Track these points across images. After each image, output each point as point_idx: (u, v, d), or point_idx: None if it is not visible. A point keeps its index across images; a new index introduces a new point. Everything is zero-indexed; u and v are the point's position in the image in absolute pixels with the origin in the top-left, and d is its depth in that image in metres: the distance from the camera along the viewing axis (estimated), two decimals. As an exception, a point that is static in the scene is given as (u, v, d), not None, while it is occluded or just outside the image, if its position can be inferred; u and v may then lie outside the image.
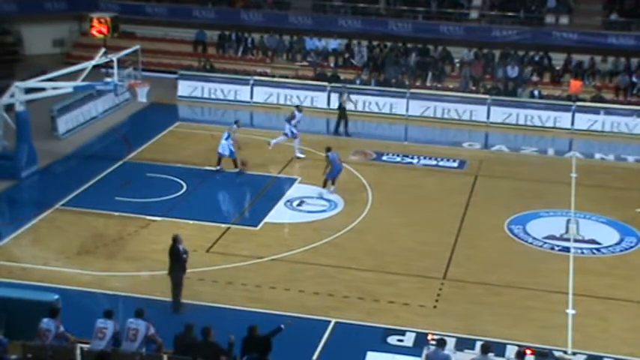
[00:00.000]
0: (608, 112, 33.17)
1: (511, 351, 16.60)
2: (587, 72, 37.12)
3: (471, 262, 21.75)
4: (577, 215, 24.78)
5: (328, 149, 25.99)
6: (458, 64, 38.16)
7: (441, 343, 15.08)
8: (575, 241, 23.17)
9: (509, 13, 39.29)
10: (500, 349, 16.81)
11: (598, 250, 22.75)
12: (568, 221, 24.41)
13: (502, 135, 32.88)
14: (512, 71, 36.68)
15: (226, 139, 27.21)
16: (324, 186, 25.88)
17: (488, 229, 23.89)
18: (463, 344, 17.37)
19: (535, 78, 36.88)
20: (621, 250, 22.76)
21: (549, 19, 39.24)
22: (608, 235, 23.58)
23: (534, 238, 23.25)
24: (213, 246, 22.21)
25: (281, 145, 28.77)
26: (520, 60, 37.59)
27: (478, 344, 16.46)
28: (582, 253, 22.51)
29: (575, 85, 35.50)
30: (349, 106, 32.15)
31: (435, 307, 19.44)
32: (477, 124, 33.60)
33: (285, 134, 28.95)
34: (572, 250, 22.56)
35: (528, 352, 15.12)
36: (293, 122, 28.85)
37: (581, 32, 37.78)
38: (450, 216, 24.71)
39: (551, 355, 16.21)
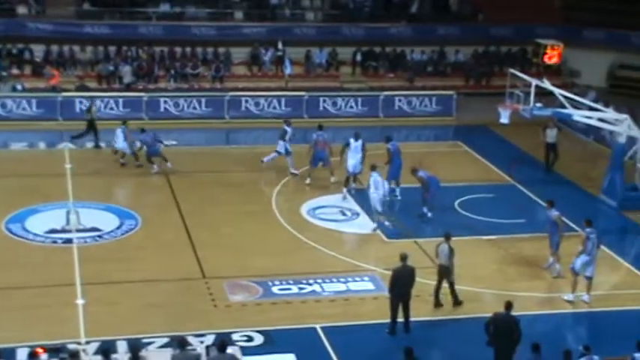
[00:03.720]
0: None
1: (23, 354, 16.21)
2: (69, 62, 37.37)
3: (-29, 270, 20.74)
4: (76, 205, 24.92)
5: (388, 139, 26.01)
6: None
7: None
8: (77, 231, 23.33)
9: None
10: (11, 354, 16.35)
11: (100, 237, 23.16)
12: (68, 212, 24.46)
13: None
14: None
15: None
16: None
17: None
18: (-28, 357, 16.63)
19: (16, 71, 36.18)
20: (122, 234, 23.45)
21: (22, 10, 38.63)
22: (108, 221, 24.07)
23: (35, 235, 22.93)
24: None
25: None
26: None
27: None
28: (85, 242, 22.75)
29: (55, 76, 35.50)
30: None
31: (-62, 324, 18.22)
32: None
33: (278, 152, 27.55)
34: (76, 241, 22.69)
35: (40, 350, 14.95)
36: (287, 138, 27.38)
37: (57, 22, 37.95)
38: None
39: (65, 349, 16.16)
